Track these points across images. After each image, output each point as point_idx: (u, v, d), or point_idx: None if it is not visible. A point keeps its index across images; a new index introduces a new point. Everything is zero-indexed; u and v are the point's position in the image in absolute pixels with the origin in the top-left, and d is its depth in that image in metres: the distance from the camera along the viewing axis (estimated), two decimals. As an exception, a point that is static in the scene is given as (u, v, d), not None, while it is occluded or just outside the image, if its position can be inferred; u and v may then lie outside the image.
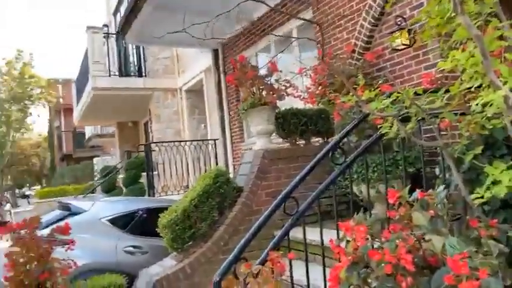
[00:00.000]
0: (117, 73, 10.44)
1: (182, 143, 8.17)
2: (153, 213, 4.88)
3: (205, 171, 6.85)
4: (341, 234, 2.18)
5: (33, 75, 27.83)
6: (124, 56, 10.86)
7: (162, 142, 8.14)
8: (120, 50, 10.71)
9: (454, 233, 1.92)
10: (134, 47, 10.71)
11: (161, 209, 4.45)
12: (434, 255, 1.87)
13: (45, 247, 3.42)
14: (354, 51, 4.78)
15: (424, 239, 1.94)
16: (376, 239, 2.08)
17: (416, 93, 2.35)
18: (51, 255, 3.43)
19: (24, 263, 3.31)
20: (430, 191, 2.00)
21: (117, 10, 12.95)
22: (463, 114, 2.04)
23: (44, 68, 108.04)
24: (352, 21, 4.89)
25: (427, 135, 3.29)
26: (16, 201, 42.11)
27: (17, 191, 42.54)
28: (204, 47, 7.73)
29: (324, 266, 2.63)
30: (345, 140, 3.51)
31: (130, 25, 6.91)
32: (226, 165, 7.93)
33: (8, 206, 15.05)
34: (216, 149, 8.21)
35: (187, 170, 8.06)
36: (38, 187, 36.97)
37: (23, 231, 3.44)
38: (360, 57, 4.71)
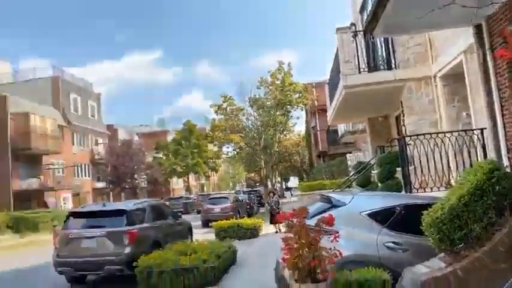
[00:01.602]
0: (366, 69, 10.50)
1: (440, 135, 7.47)
2: (413, 210, 4.62)
3: (470, 166, 6.05)
4: None
5: (292, 82, 31.55)
6: (372, 50, 10.84)
7: (417, 135, 7.66)
8: (368, 45, 10.73)
9: None
10: (382, 40, 10.54)
11: (422, 206, 4.17)
12: None
13: (313, 236, 3.69)
14: None
15: None
16: None
17: None
18: (319, 244, 3.67)
19: (297, 248, 3.66)
20: None
21: (363, 7, 13.10)
22: None
23: (298, 72, 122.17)
24: None
25: None
26: (283, 193, 48.79)
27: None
28: (462, 24, 6.84)
29: None
30: None
31: (377, 19, 6.76)
32: (499, 158, 6.76)
33: (275, 198, 17.42)
34: (483, 140, 7.13)
35: (448, 164, 7.30)
36: (296, 181, 41.77)
37: (294, 220, 3.81)
38: None
